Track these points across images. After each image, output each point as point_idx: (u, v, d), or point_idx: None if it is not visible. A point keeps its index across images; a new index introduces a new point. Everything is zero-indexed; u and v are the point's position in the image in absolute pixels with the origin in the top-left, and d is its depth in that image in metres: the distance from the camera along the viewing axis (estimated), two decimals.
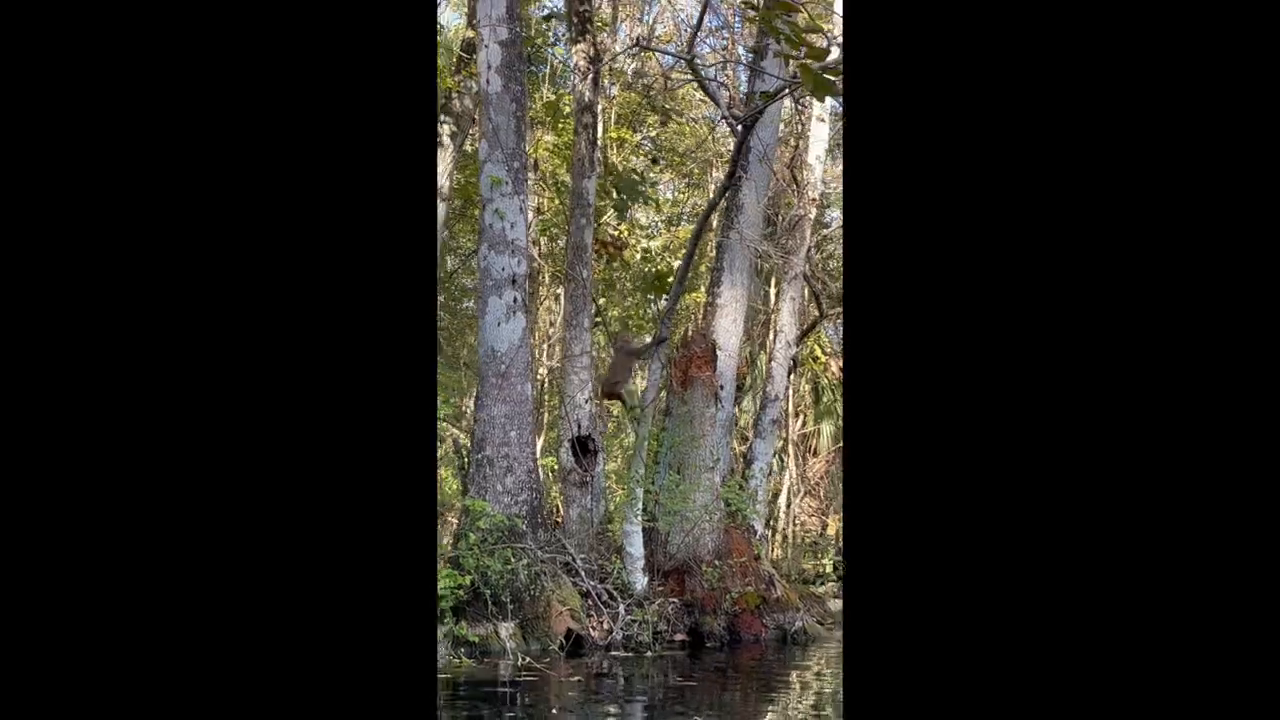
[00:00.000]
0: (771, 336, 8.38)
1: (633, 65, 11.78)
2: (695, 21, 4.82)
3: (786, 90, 4.44)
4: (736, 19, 10.35)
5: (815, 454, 12.44)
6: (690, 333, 6.91)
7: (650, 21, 13.36)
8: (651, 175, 11.93)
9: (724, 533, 6.74)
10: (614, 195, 10.48)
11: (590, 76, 8.05)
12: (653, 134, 11.45)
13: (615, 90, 11.78)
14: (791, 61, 3.70)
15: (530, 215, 11.27)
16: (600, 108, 12.29)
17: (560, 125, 10.51)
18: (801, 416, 12.48)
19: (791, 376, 10.68)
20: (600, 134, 11.88)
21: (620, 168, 10.92)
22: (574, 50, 8.29)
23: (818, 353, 11.34)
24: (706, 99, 9.03)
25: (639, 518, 6.36)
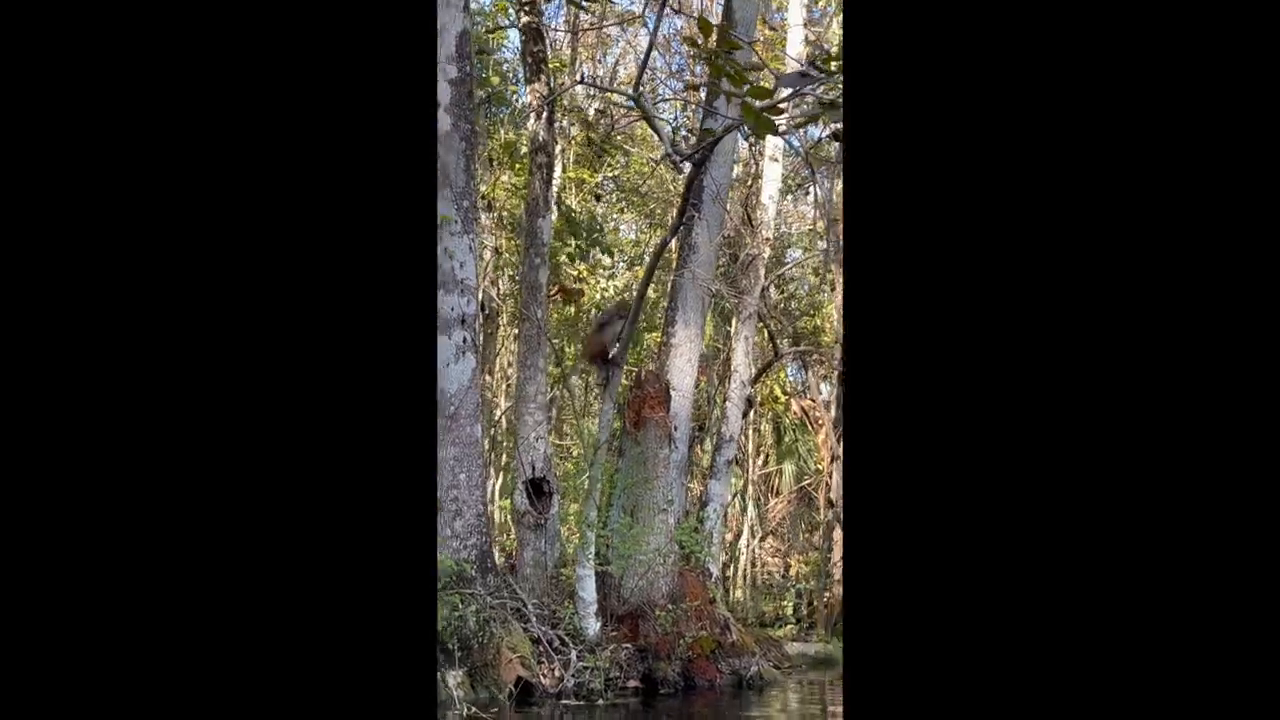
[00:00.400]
0: (727, 377, 8.33)
1: (594, 105, 11.82)
2: (642, 59, 4.78)
3: (732, 128, 4.42)
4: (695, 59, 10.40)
5: (777, 494, 12.36)
6: (644, 373, 6.82)
7: (612, 64, 13.43)
8: (612, 216, 11.93)
9: (678, 576, 6.63)
10: (573, 241, 10.46)
11: (544, 116, 8.03)
12: (614, 174, 11.44)
13: (575, 131, 11.79)
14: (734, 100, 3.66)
15: (486, 255, 11.22)
16: (560, 148, 12.31)
17: (518, 165, 10.49)
18: (763, 456, 12.42)
19: (751, 416, 10.64)
20: (559, 174, 11.90)
21: (578, 209, 10.90)
22: (529, 90, 8.28)
23: (778, 393, 11.29)
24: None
25: (591, 561, 6.24)
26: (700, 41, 3.97)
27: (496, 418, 10.86)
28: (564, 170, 11.75)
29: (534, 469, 7.49)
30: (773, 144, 7.77)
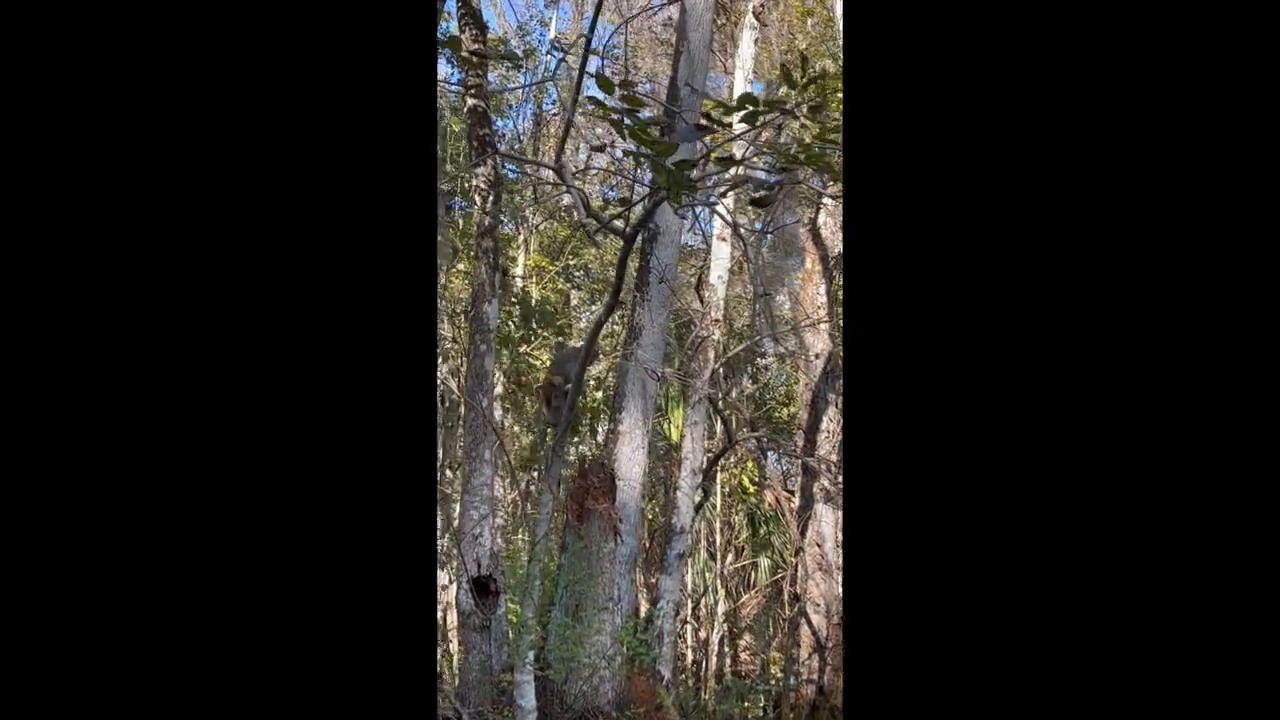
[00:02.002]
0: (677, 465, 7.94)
1: (558, 195, 11.64)
2: (564, 125, 4.52)
3: (653, 192, 4.14)
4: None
5: (753, 588, 11.85)
6: (587, 462, 6.44)
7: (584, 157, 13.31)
8: (572, 300, 11.68)
9: (625, 680, 6.17)
10: (529, 325, 10.18)
11: (489, 199, 7.79)
12: (571, 261, 11.22)
13: (537, 219, 11.61)
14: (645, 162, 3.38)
15: (444, 345, 10.91)
16: (523, 237, 12.13)
17: (471, 253, 10.27)
18: (735, 550, 11.94)
19: (717, 508, 10.21)
20: (521, 263, 11.69)
21: (537, 297, 10.64)
22: (474, 174, 8.08)
23: (746, 483, 10.87)
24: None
25: (530, 666, 5.79)
26: (604, 100, 3.70)
27: (452, 516, 10.43)
28: (525, 259, 11.55)
29: (479, 566, 7.07)
30: (719, 223, 7.54)
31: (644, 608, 8.27)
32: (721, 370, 8.47)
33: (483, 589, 7.02)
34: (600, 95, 3.60)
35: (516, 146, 10.46)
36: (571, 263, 11.34)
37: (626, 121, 3.54)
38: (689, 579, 11.31)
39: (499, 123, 11.22)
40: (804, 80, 2.99)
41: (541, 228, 11.94)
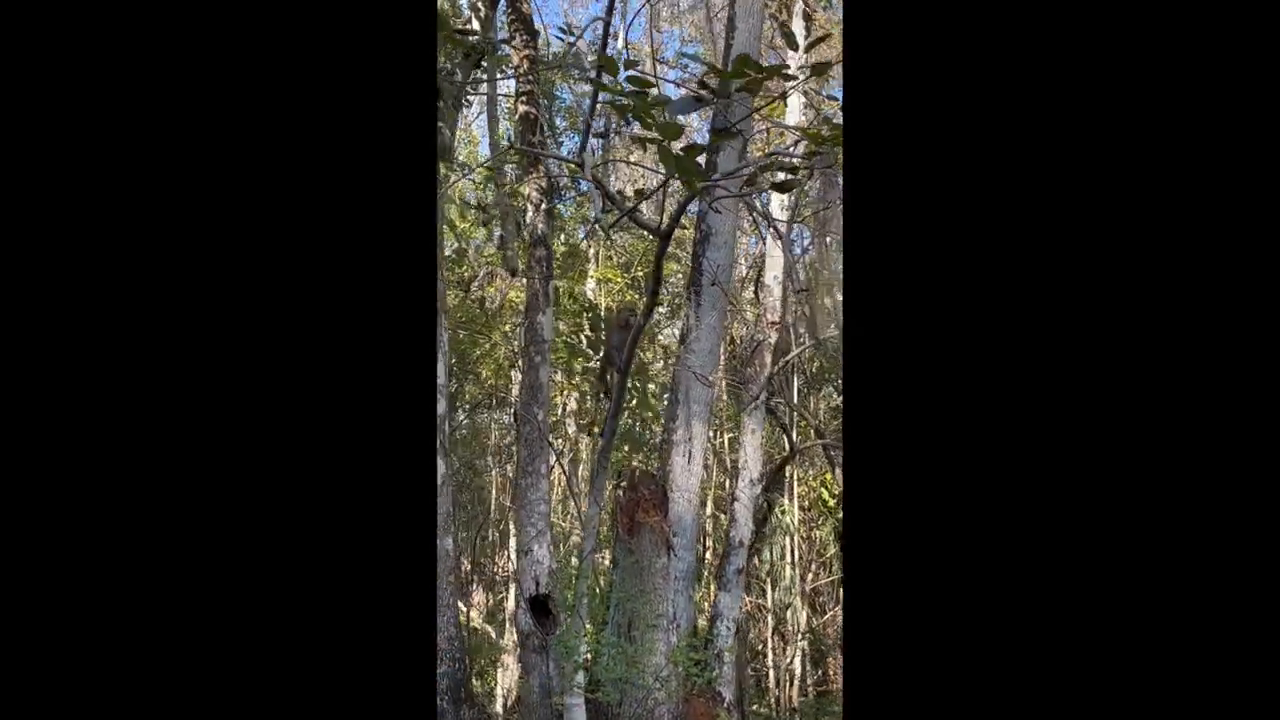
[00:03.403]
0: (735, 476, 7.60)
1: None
2: (585, 122, 4.30)
3: (665, 182, 3.88)
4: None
5: (839, 602, 11.38)
6: (636, 473, 6.16)
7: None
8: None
9: (683, 702, 5.86)
10: (599, 336, 9.97)
11: (542, 208, 7.60)
12: (641, 273, 10.98)
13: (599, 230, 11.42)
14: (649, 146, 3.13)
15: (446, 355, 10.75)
16: (594, 249, 11.95)
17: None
18: (824, 566, 11.50)
19: (792, 522, 9.81)
20: (592, 274, 11.50)
21: (606, 307, 10.44)
22: (527, 182, 7.90)
23: (825, 496, 10.44)
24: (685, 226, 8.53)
25: (580, 689, 5.53)
26: (609, 81, 3.45)
27: (483, 522, 10.25)
28: (595, 269, 11.37)
29: (537, 584, 6.86)
30: (771, 223, 7.20)
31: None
32: (782, 375, 8.09)
33: (540, 608, 6.81)
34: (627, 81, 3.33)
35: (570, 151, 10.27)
36: (641, 275, 11.11)
37: (622, 102, 3.28)
38: (773, 595, 10.93)
39: (565, 131, 11.06)
40: (807, 41, 2.69)
41: (616, 239, 11.75)
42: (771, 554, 10.46)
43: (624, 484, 6.22)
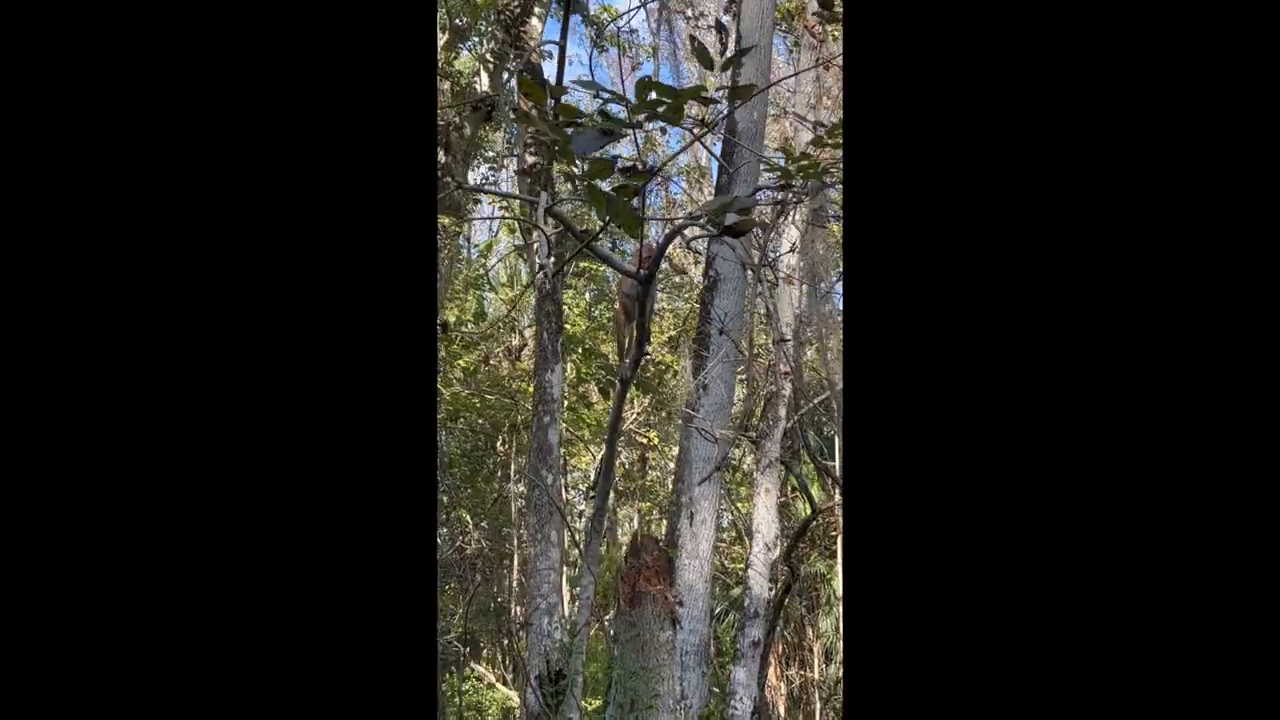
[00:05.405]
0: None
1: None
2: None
3: (605, 225, 3.53)
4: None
5: None
6: (639, 538, 5.73)
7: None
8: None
9: None
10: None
11: (551, 260, 7.30)
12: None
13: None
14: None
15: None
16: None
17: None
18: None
19: (829, 587, 9.26)
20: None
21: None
22: (533, 236, 7.62)
23: None
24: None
25: None
26: (531, 111, 3.10)
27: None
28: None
29: (548, 662, 6.45)
30: (784, 266, 6.78)
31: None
32: (797, 429, 7.59)
33: (554, 685, 6.41)
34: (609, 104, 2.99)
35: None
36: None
37: (545, 138, 2.93)
38: (828, 669, 10.34)
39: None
40: (724, 59, 2.34)
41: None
42: (819, 624, 9.88)
43: (625, 549, 5.79)
